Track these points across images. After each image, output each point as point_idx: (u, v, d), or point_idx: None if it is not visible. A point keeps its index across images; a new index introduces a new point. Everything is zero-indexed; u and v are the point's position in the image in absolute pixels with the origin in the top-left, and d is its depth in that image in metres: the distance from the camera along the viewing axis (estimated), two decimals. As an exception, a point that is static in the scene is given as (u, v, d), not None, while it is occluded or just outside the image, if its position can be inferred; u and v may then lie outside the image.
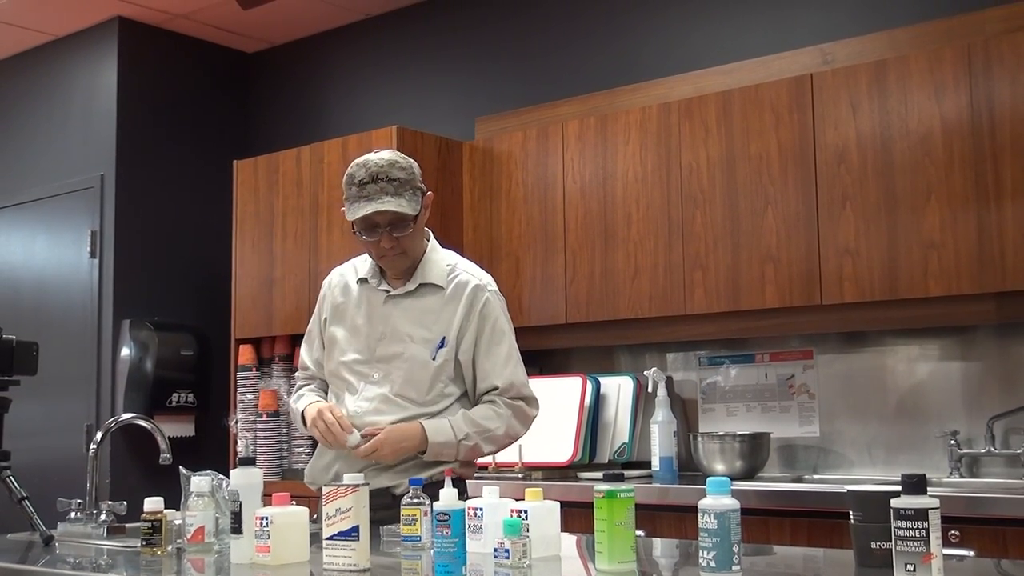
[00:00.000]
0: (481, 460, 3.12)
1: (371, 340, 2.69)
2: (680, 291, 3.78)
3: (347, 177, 2.63)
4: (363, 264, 2.79)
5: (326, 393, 2.82)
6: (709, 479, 1.83)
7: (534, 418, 2.72)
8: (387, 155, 2.63)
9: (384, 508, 2.43)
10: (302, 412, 2.74)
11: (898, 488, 1.71)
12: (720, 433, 3.79)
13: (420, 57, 5.07)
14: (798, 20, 4.01)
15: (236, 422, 4.56)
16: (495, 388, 2.66)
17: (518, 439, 2.74)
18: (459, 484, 2.37)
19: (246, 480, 2.20)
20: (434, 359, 2.64)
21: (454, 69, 4.97)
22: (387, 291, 2.71)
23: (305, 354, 2.87)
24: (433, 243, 2.77)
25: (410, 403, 2.63)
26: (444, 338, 2.65)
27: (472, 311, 2.67)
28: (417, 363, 2.64)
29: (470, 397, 2.72)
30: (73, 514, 2.74)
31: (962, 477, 3.47)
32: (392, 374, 2.65)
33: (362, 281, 2.76)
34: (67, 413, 5.19)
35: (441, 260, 2.74)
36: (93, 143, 5.31)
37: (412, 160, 2.67)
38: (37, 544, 2.57)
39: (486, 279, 2.74)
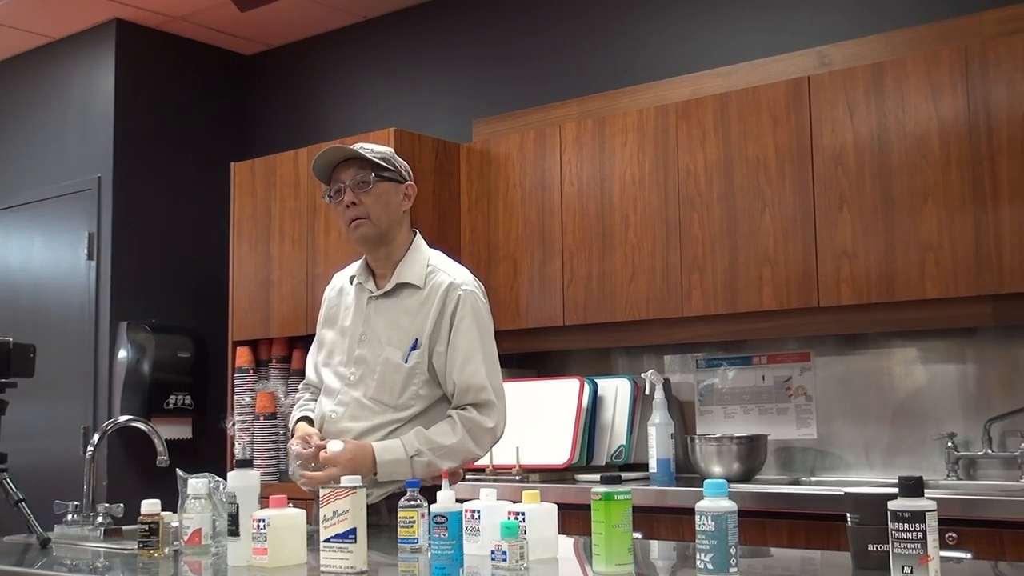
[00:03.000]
0: (479, 462, 3.13)
1: (352, 342, 2.69)
2: (677, 293, 3.78)
3: None
4: (357, 264, 2.79)
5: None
6: (706, 481, 1.83)
7: (491, 430, 2.59)
8: None
9: None
10: (291, 429, 2.78)
11: (895, 490, 1.71)
12: (717, 435, 3.78)
13: (417, 59, 5.07)
14: (795, 23, 4.01)
15: (233, 424, 4.56)
16: (454, 387, 2.58)
17: (477, 457, 2.64)
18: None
19: (243, 482, 2.19)
20: (406, 361, 2.60)
21: (452, 71, 4.97)
22: (371, 292, 2.71)
23: (308, 359, 2.89)
24: (417, 243, 2.74)
25: (383, 407, 2.60)
26: (417, 339, 2.61)
27: (444, 310, 2.61)
28: (390, 366, 2.61)
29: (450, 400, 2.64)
30: (70, 516, 2.75)
31: (959, 479, 3.47)
32: (367, 377, 2.64)
33: (354, 283, 2.76)
34: (64, 415, 5.18)
35: (422, 260, 2.70)
36: (90, 145, 5.31)
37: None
38: (34, 546, 2.57)
39: (462, 277, 2.68)
